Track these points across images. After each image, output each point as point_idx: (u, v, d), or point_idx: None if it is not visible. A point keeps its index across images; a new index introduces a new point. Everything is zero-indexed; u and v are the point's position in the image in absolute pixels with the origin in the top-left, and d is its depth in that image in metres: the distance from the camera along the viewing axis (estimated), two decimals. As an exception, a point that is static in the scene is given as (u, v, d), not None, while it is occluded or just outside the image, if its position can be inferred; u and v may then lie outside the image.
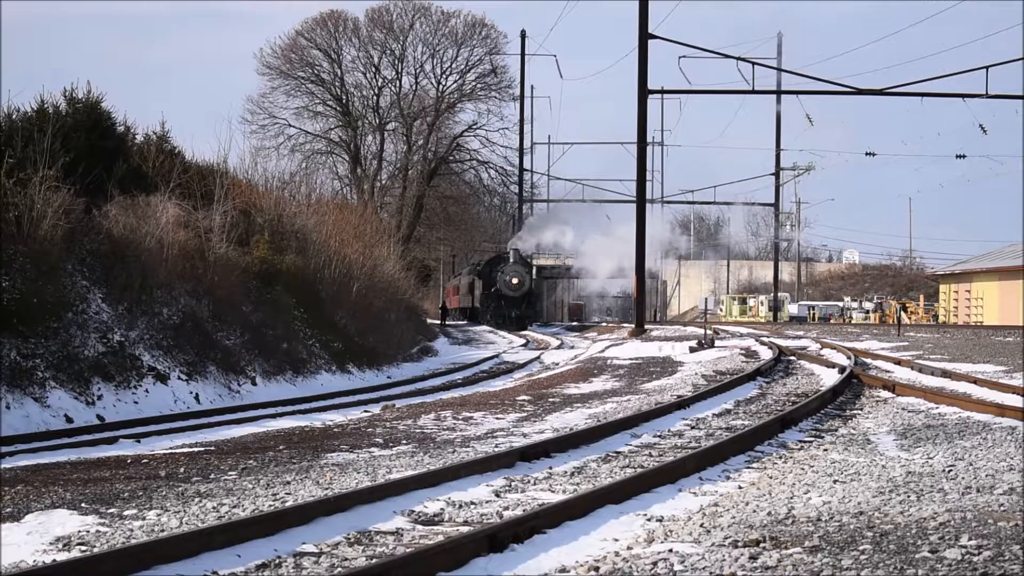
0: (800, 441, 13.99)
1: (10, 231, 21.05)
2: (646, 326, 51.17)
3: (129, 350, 22.25)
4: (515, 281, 68.18)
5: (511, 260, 69.08)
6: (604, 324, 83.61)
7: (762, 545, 7.99)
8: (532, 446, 12.74)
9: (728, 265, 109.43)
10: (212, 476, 11.74)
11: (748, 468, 11.88)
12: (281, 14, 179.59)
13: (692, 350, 33.95)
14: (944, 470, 11.09)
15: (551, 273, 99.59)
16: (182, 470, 12.30)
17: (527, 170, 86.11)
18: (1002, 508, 9.20)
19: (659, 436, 14.58)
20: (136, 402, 21.10)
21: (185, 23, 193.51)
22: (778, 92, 58.10)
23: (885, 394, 19.67)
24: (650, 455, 12.88)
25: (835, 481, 10.63)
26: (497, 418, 17.56)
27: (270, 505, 9.77)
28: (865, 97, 49.19)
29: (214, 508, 9.64)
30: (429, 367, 36.34)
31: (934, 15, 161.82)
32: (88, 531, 8.83)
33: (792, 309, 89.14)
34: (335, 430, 16.69)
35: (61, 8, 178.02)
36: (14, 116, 26.66)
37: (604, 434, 14.19)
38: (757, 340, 37.84)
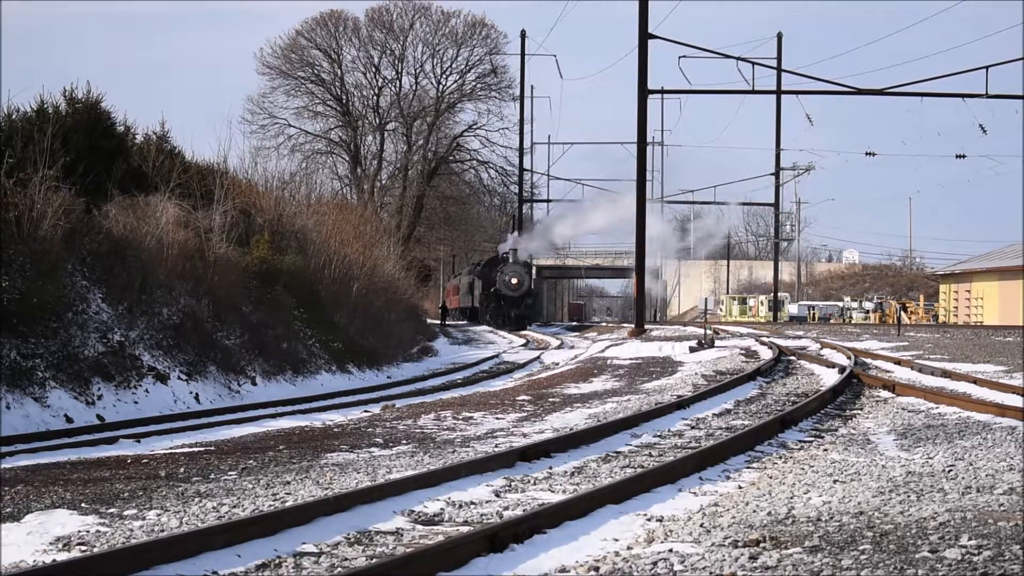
0: (800, 441, 13.99)
1: (10, 231, 21.05)
2: (646, 326, 51.16)
3: (129, 350, 22.25)
4: (515, 281, 68.19)
5: (511, 260, 69.09)
6: (604, 324, 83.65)
7: (762, 545, 7.99)
8: (532, 446, 12.74)
9: (728, 265, 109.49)
10: (212, 476, 11.74)
11: (748, 468, 11.88)
12: (281, 14, 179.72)
13: (692, 350, 33.95)
14: (944, 470, 11.09)
15: (551, 273, 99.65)
16: (182, 470, 12.30)
17: (527, 170, 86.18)
18: (1002, 508, 9.20)
19: (659, 436, 14.58)
20: (136, 402, 21.09)
21: (185, 23, 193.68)
22: (778, 92, 58.02)
23: (885, 394, 19.66)
24: (650, 455, 12.88)
25: (835, 481, 10.63)
26: (497, 418, 17.56)
27: (270, 505, 9.77)
28: (865, 97, 49.19)
29: (214, 508, 9.64)
30: (429, 367, 36.35)
31: (934, 15, 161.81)
32: (88, 531, 8.83)
33: (792, 309, 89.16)
34: (335, 430, 16.69)
35: (61, 8, 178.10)
36: (14, 116, 26.68)
37: (604, 434, 14.19)
38: (757, 340, 37.84)
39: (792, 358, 29.20)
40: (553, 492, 10.50)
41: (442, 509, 9.64)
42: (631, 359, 32.15)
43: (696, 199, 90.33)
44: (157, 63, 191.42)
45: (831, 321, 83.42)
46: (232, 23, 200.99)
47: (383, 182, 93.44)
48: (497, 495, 10.31)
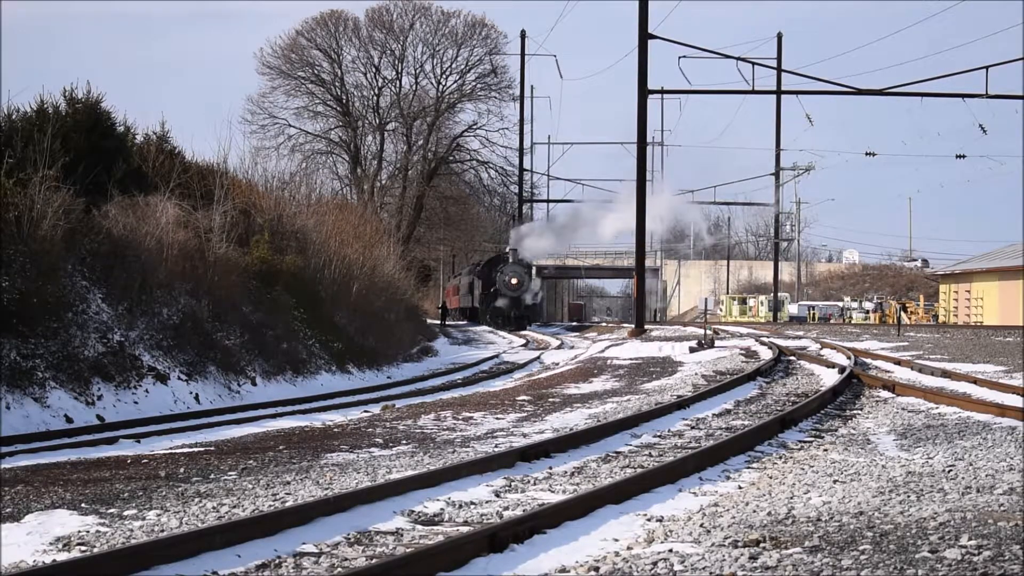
0: (800, 441, 13.99)
1: (10, 231, 21.05)
2: (646, 326, 51.14)
3: (129, 350, 22.25)
4: (514, 281, 68.14)
5: (510, 260, 69.04)
6: (604, 324, 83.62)
7: (762, 545, 7.99)
8: (532, 446, 12.74)
9: (728, 265, 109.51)
10: (212, 476, 11.74)
11: (748, 468, 11.87)
12: (281, 14, 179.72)
13: (692, 350, 33.95)
14: (944, 470, 11.09)
15: (551, 273, 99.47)
16: (182, 470, 12.30)
17: (527, 170, 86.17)
18: (1002, 508, 9.20)
19: (659, 436, 14.58)
20: (136, 402, 21.10)
21: (185, 23, 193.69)
22: (778, 92, 57.98)
23: (885, 394, 19.66)
24: (650, 455, 12.88)
25: (835, 481, 10.63)
26: (497, 418, 17.56)
27: (270, 505, 9.77)
28: (865, 97, 49.18)
29: (214, 508, 9.64)
30: (429, 367, 36.34)
31: (934, 15, 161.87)
32: (88, 531, 8.83)
33: (792, 309, 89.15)
34: (335, 430, 16.69)
35: (61, 8, 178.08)
36: (14, 116, 26.69)
37: (604, 434, 14.19)
38: (757, 340, 37.83)
39: (792, 358, 29.19)
40: (553, 492, 10.50)
41: (442, 509, 9.64)
42: (631, 359, 32.15)
43: (696, 199, 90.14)
44: (157, 63, 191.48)
45: (831, 321, 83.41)
46: (232, 23, 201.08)
47: (383, 182, 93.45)
48: (497, 495, 10.31)
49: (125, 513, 9.53)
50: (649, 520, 9.19)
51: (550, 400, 20.63)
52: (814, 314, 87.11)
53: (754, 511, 9.22)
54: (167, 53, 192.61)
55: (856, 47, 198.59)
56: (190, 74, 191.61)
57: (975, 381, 21.13)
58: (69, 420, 18.84)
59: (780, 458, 12.54)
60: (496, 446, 13.71)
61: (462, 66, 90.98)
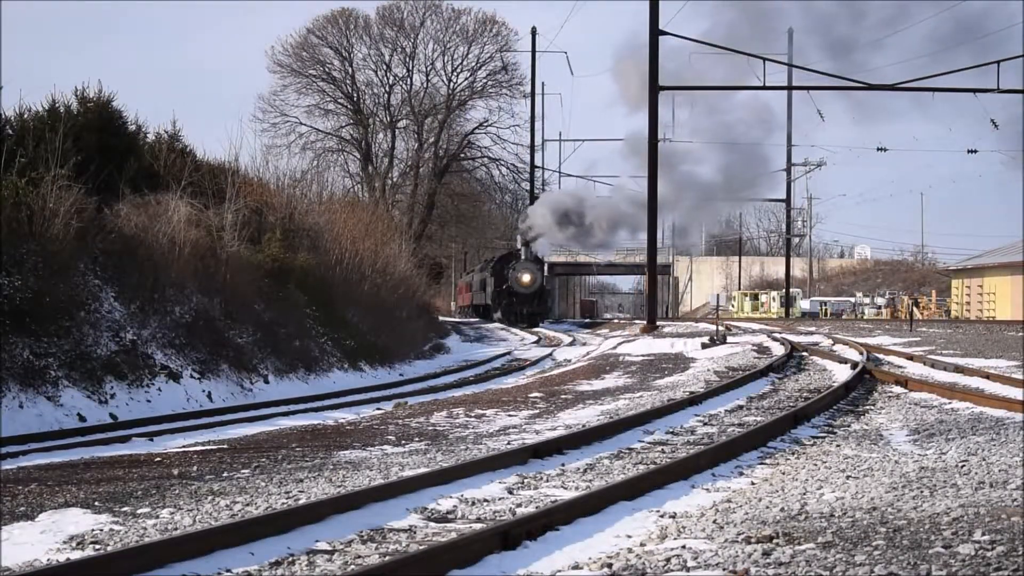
0: (813, 437, 13.96)
1: (22, 230, 21.10)
2: (658, 322, 51.10)
3: (141, 349, 22.29)
4: (526, 278, 68.12)
5: (522, 257, 69.04)
6: (616, 321, 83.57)
7: (775, 541, 7.98)
8: (544, 443, 12.73)
9: (740, 261, 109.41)
10: (225, 474, 11.75)
11: (761, 464, 11.86)
12: (292, 12, 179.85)
13: (704, 346, 33.93)
14: (957, 465, 11.06)
15: (563, 270, 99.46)
16: (195, 468, 12.31)
17: (538, 167, 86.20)
18: (1015, 503, 9.17)
19: (672, 433, 14.56)
20: (149, 401, 21.13)
21: (195, 22, 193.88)
22: (788, 88, 57.93)
23: (898, 389, 19.62)
24: (663, 452, 12.87)
25: (848, 477, 10.61)
26: (509, 415, 17.56)
27: (283, 503, 9.78)
28: (877, 92, 49.07)
29: (227, 506, 9.65)
30: (441, 364, 36.35)
31: (939, 13, 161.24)
32: (102, 530, 8.85)
33: (804, 305, 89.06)
34: (347, 428, 16.71)
35: (66, 8, 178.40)
36: (25, 116, 26.77)
37: (616, 431, 14.18)
38: (769, 336, 37.79)
39: (804, 354, 29.15)
40: (566, 489, 10.49)
41: (455, 506, 9.64)
42: (643, 356, 32.14)
43: (706, 195, 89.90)
44: (168, 62, 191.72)
45: (843, 317, 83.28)
46: (243, 21, 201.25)
47: (394, 180, 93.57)
48: (510, 492, 10.30)
49: (138, 511, 9.55)
50: (662, 517, 9.18)
51: (562, 397, 20.63)
52: (826, 310, 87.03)
53: (767, 507, 9.21)
54: (178, 52, 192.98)
55: (867, 42, 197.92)
56: (202, 73, 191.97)
57: (987, 376, 21.08)
58: (82, 419, 18.88)
59: (793, 454, 12.52)
60: (508, 443, 13.70)
61: (473, 63, 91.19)
